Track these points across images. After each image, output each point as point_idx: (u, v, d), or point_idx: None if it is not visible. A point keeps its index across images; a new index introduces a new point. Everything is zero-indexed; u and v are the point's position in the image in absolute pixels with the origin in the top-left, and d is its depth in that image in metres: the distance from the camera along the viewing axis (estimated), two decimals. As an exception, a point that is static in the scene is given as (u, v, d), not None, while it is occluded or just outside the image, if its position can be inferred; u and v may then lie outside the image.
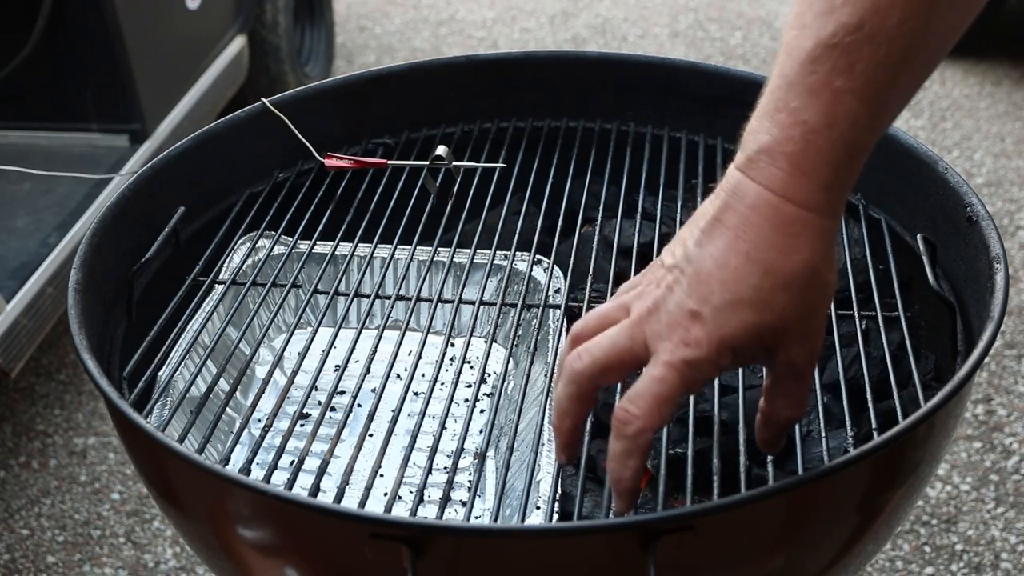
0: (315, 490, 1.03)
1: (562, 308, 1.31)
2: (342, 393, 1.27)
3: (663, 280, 0.85)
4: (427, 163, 1.49)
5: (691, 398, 1.15)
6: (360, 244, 1.41)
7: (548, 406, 1.18)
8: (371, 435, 1.23)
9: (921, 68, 0.82)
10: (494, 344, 1.37)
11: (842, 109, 0.79)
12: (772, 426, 0.94)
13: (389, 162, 1.53)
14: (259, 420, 1.27)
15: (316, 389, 1.25)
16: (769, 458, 1.06)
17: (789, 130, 0.80)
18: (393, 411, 1.14)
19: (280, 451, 1.09)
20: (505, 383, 1.29)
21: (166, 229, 1.35)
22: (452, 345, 1.41)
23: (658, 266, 0.87)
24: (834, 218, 0.83)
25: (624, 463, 0.86)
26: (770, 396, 0.92)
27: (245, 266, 1.40)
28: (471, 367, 1.38)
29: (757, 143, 0.82)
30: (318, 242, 1.43)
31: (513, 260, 1.40)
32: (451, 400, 1.17)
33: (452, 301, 1.33)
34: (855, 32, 0.78)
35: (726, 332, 0.82)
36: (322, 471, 1.05)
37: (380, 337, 1.25)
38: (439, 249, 1.42)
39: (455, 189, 1.50)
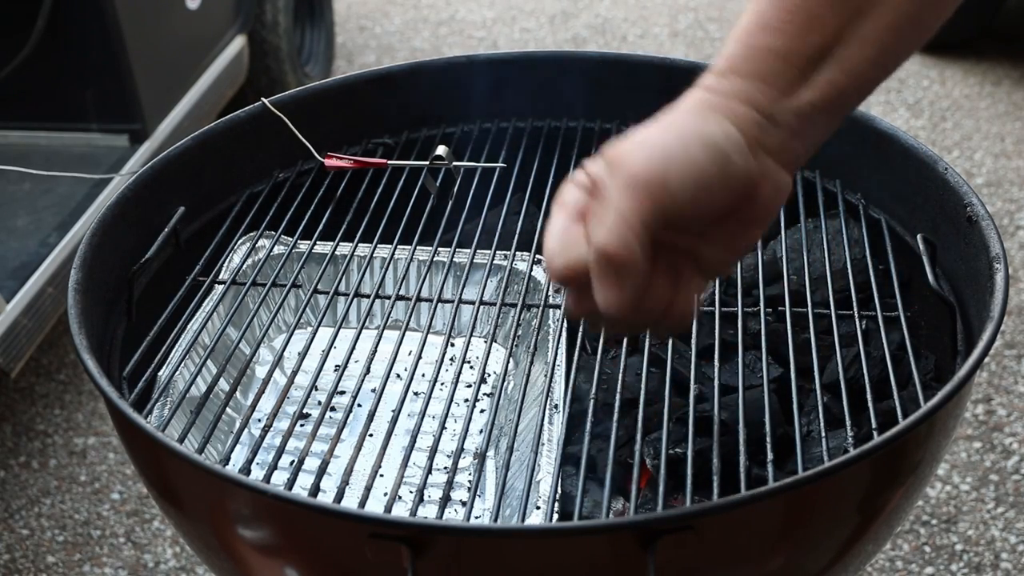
0: (315, 490, 1.03)
1: (562, 308, 1.31)
2: (342, 393, 1.27)
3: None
4: (427, 163, 1.49)
5: (691, 399, 1.15)
6: (360, 244, 1.41)
7: (548, 406, 1.18)
8: (371, 435, 1.23)
9: None
10: (494, 344, 1.37)
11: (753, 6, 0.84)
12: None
13: (389, 162, 1.53)
14: (259, 420, 1.27)
15: (316, 389, 1.25)
16: (769, 458, 1.06)
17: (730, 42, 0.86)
18: (393, 411, 1.14)
19: (280, 451, 1.09)
20: (505, 383, 1.29)
21: (166, 229, 1.35)
22: (452, 345, 1.41)
23: None
24: (740, 99, 0.83)
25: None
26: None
27: (245, 266, 1.40)
28: (471, 367, 1.38)
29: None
30: (318, 242, 1.43)
31: (513, 260, 1.39)
32: (451, 400, 1.17)
33: (452, 301, 1.33)
34: None
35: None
36: (322, 471, 1.05)
37: (380, 337, 1.25)
38: (439, 249, 1.42)
39: (455, 189, 1.50)
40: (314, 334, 1.27)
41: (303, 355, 1.24)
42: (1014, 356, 2.63)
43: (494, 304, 1.32)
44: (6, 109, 2.70)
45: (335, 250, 1.41)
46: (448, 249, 1.42)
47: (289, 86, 3.44)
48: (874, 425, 1.09)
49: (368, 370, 1.20)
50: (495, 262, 1.40)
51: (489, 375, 1.36)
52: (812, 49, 0.82)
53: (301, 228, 1.43)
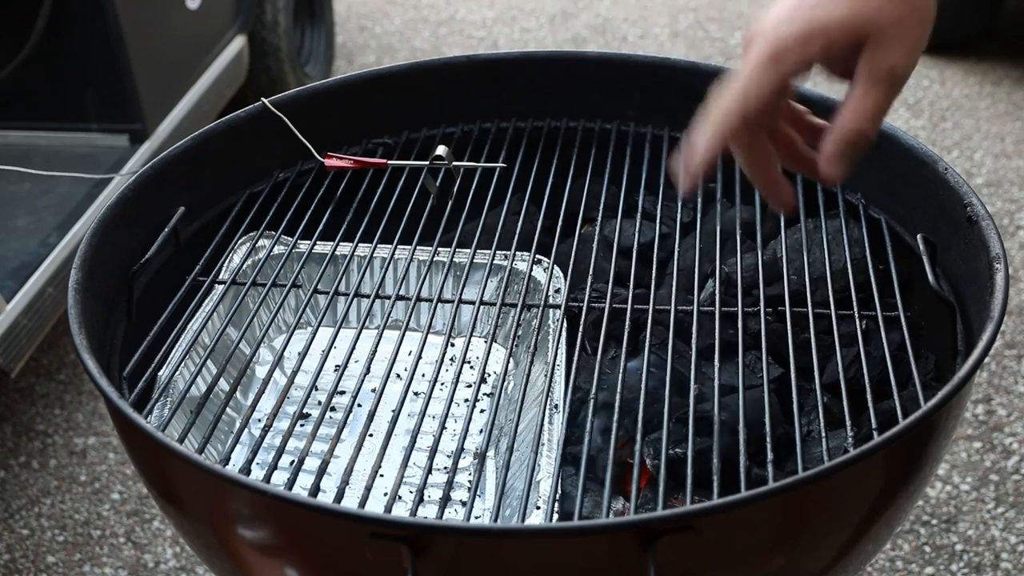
0: (315, 490, 1.03)
1: (562, 308, 1.31)
2: (342, 393, 1.27)
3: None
4: (427, 163, 1.49)
5: (691, 399, 1.15)
6: (360, 244, 1.41)
7: (548, 406, 1.18)
8: (371, 435, 1.23)
9: None
10: (494, 344, 1.37)
11: None
12: (835, 139, 0.94)
13: (389, 162, 1.53)
14: (259, 420, 1.27)
15: (316, 389, 1.25)
16: (769, 458, 1.06)
17: None
18: (393, 411, 1.14)
19: (280, 451, 1.09)
20: (505, 383, 1.29)
21: (166, 229, 1.35)
22: (452, 345, 1.41)
23: None
24: None
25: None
26: (843, 103, 0.93)
27: (245, 266, 1.40)
28: (471, 367, 1.38)
29: None
30: (318, 242, 1.43)
31: (513, 260, 1.39)
32: (451, 400, 1.17)
33: (452, 301, 1.33)
34: None
35: (818, 19, 0.89)
36: (322, 471, 1.05)
37: (380, 337, 1.25)
38: (439, 249, 1.41)
39: (455, 189, 1.50)
40: (314, 334, 1.27)
41: (303, 355, 1.24)
42: (1014, 356, 2.63)
43: (494, 304, 1.32)
44: (6, 109, 2.70)
45: (335, 250, 1.41)
46: (448, 249, 1.42)
47: (289, 86, 3.44)
48: (874, 425, 1.09)
49: (368, 370, 1.20)
50: (495, 262, 1.40)
51: (489, 375, 1.36)
52: None
53: (301, 228, 1.43)
